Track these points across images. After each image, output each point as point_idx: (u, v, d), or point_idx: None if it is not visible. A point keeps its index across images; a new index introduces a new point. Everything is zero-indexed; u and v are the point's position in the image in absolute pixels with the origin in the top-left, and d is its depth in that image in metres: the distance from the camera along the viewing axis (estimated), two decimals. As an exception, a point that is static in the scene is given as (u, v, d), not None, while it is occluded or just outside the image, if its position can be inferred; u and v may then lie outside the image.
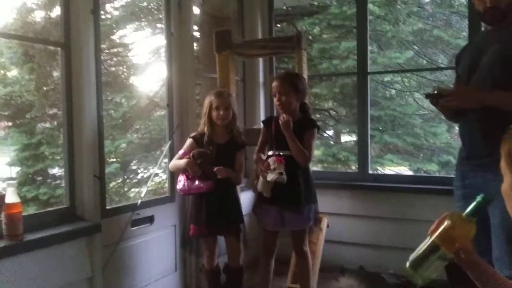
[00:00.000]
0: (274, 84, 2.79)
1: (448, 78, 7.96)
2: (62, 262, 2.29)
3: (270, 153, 2.80)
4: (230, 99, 2.81)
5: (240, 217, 2.84)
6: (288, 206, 2.73)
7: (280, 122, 2.71)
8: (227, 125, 2.80)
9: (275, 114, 4.11)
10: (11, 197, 2.04)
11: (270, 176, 2.63)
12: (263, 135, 2.92)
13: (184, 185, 2.69)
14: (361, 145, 3.82)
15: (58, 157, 8.03)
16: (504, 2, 1.99)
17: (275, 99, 2.80)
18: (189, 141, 2.82)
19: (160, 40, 7.71)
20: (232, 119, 2.80)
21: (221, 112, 2.74)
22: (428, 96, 2.08)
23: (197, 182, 2.66)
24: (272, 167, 2.65)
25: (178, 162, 2.75)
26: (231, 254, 2.86)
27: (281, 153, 2.72)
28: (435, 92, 2.06)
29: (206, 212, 2.70)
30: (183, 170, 2.71)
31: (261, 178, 2.71)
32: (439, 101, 2.03)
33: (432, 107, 2.24)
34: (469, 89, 2.04)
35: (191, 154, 2.70)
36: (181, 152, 2.79)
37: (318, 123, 2.88)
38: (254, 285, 3.19)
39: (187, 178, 2.69)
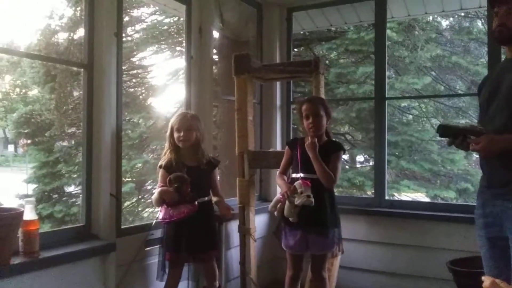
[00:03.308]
0: (306, 106, 2.77)
1: (466, 104, 7.92)
2: (76, 280, 2.29)
3: (294, 175, 2.79)
4: (193, 121, 2.72)
5: (216, 241, 2.82)
6: (313, 230, 2.71)
7: (305, 144, 2.71)
8: (193, 148, 2.72)
9: (291, 136, 4.12)
10: (29, 214, 2.06)
11: (298, 200, 2.60)
12: (286, 157, 2.90)
13: (166, 213, 2.59)
14: (378, 171, 3.78)
15: (75, 175, 8.12)
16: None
17: (306, 122, 2.77)
18: (160, 172, 2.70)
19: (179, 63, 7.84)
20: (196, 142, 2.72)
21: (181, 134, 2.66)
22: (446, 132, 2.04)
23: (178, 207, 2.58)
24: (299, 190, 2.62)
25: (154, 194, 2.66)
26: (208, 277, 2.81)
27: (305, 176, 2.71)
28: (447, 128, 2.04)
29: (187, 238, 2.61)
30: (161, 200, 2.62)
31: (287, 203, 2.67)
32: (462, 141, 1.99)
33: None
34: (491, 140, 1.98)
35: (167, 180, 2.60)
36: (158, 185, 2.72)
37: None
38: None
39: (168, 206, 2.60)
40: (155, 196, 2.64)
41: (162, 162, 2.72)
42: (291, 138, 4.09)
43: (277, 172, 2.94)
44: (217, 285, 2.84)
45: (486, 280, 1.17)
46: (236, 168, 3.31)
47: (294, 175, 2.79)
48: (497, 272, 2.07)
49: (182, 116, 2.72)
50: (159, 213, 2.66)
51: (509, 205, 1.96)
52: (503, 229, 1.99)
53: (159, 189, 2.62)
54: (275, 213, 2.86)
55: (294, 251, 2.81)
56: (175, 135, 2.68)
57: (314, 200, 2.61)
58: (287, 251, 2.84)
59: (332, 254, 2.87)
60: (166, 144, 2.75)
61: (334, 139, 2.95)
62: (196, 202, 2.61)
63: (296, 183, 2.67)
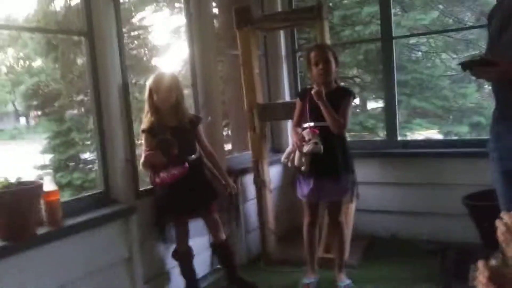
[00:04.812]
0: (315, 53, 2.74)
1: (476, 36, 7.71)
2: (101, 244, 2.38)
3: (304, 125, 2.77)
4: (172, 81, 2.65)
5: (213, 194, 2.79)
6: (325, 177, 2.73)
7: (312, 92, 2.67)
8: (173, 108, 2.66)
9: (299, 85, 4.09)
10: (49, 185, 2.11)
11: (306, 148, 2.62)
12: (298, 108, 2.88)
13: (158, 177, 2.58)
14: (389, 112, 3.75)
15: (88, 142, 8.23)
16: None
17: (315, 68, 2.73)
18: (143, 136, 2.65)
19: (180, 20, 7.71)
20: (176, 102, 2.65)
21: (161, 95, 2.60)
22: (466, 66, 1.99)
23: (168, 171, 2.56)
24: (307, 138, 2.64)
25: (142, 159, 2.61)
26: (212, 231, 2.85)
27: (314, 124, 2.70)
28: (477, 59, 1.98)
29: (182, 198, 2.62)
30: (150, 164, 2.59)
31: (297, 153, 2.72)
32: (476, 69, 1.96)
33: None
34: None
35: (155, 144, 2.56)
36: (144, 150, 2.66)
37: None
38: (292, 255, 3.25)
39: (157, 169, 2.58)
40: (143, 160, 2.60)
41: (144, 126, 2.66)
42: (299, 87, 4.07)
43: (292, 125, 2.93)
44: (223, 237, 2.85)
45: (506, 216, 1.15)
46: (246, 122, 3.32)
47: (304, 125, 2.78)
48: (504, 189, 2.07)
49: (160, 77, 2.66)
50: (150, 177, 2.65)
51: (524, 137, 1.94)
52: (518, 162, 1.98)
53: (145, 154, 2.58)
54: (289, 163, 2.89)
55: (309, 199, 2.84)
56: (155, 97, 2.62)
57: (324, 147, 2.61)
58: (303, 200, 2.89)
59: (351, 199, 2.90)
60: (146, 107, 2.68)
61: (342, 85, 2.91)
62: (186, 164, 2.60)
63: (304, 132, 2.69)
